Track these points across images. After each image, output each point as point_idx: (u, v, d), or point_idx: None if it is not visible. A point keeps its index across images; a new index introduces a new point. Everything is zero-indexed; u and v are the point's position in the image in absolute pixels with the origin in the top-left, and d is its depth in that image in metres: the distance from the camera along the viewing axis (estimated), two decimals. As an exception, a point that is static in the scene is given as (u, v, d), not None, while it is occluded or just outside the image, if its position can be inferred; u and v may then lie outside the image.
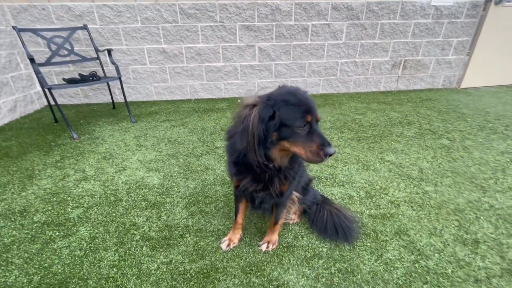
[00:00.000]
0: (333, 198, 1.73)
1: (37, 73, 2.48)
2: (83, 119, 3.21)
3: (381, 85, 4.21)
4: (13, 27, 2.64)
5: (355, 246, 1.35)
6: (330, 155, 0.89)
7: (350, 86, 4.17)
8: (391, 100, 3.76)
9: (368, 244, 1.36)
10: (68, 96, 3.79)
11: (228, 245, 1.34)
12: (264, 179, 1.08)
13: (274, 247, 1.34)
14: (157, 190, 1.84)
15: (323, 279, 1.18)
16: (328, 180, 1.92)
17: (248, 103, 0.93)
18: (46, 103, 3.77)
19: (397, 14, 3.72)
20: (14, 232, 1.48)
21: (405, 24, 3.79)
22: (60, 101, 3.79)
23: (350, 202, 1.69)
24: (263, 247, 1.33)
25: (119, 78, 2.90)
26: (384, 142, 2.49)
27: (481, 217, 1.53)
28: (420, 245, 1.35)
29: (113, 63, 2.96)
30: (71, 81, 2.74)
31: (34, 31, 2.81)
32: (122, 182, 1.93)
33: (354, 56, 3.94)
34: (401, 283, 1.16)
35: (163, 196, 1.77)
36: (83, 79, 2.74)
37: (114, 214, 1.61)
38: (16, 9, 3.21)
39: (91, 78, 2.80)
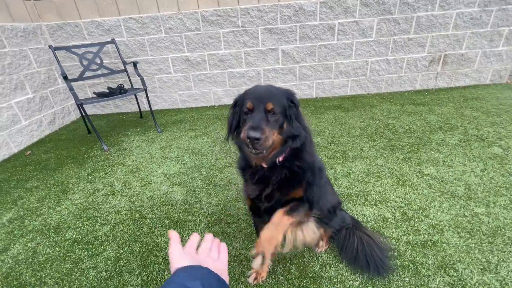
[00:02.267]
0: (364, 220, 1.58)
1: (70, 89, 2.62)
2: (113, 130, 3.34)
3: (417, 84, 3.85)
4: (49, 46, 2.81)
5: (391, 281, 1.20)
6: (249, 138, 0.84)
7: (382, 86, 3.87)
8: (429, 100, 3.42)
9: (407, 279, 1.21)
10: (100, 107, 3.99)
11: (256, 278, 1.26)
12: (266, 181, 1.03)
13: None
14: (180, 206, 1.83)
15: (355, 322, 1.06)
16: (359, 198, 1.76)
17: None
18: (79, 114, 4.01)
19: (436, 5, 3.36)
20: (48, 249, 1.56)
21: (445, 15, 3.41)
22: (93, 111, 4.01)
23: (384, 225, 1.53)
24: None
25: (145, 90, 2.96)
26: (422, 151, 2.25)
27: (548, 250, 1.29)
28: (471, 283, 1.16)
29: (138, 75, 3.04)
30: (100, 95, 2.86)
31: (68, 49, 2.97)
32: (146, 198, 1.96)
33: (386, 54, 3.64)
34: (448, 333, 1.00)
35: (186, 214, 1.76)
36: (111, 93, 2.84)
37: (138, 233, 1.63)
38: (52, 27, 3.44)
39: (118, 91, 2.89)
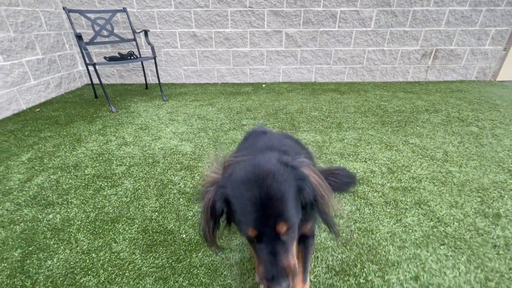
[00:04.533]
0: (355, 171, 1.80)
1: (84, 49, 2.73)
2: (119, 97, 3.46)
3: (409, 75, 4.12)
4: (64, 8, 2.90)
5: (375, 211, 1.43)
6: None
7: (376, 75, 4.12)
8: (419, 90, 3.69)
9: (388, 210, 1.44)
10: (105, 76, 4.08)
11: None
12: None
13: None
14: (189, 156, 2.01)
15: (344, 234, 1.28)
16: (351, 156, 1.99)
17: (209, 180, 0.71)
18: (86, 81, 4.10)
19: (431, 1, 3.61)
20: (70, 180, 1.71)
21: (439, 11, 3.67)
22: (96, 80, 4.08)
23: (371, 175, 1.75)
24: None
25: (154, 58, 3.10)
26: (409, 127, 2.50)
27: (506, 196, 1.54)
28: (440, 214, 1.40)
29: (149, 43, 3.16)
30: (112, 59, 2.98)
31: (81, 12, 3.07)
32: (158, 148, 2.12)
33: (382, 45, 3.88)
34: (418, 242, 1.23)
35: (195, 161, 1.94)
36: (122, 57, 2.97)
37: (153, 172, 1.80)
38: (64, -8, 3.50)
39: (129, 57, 3.02)
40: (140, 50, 3.69)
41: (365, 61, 4.00)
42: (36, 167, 1.86)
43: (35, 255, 1.18)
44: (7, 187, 1.64)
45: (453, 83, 3.99)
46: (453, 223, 1.34)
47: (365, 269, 1.10)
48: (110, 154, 2.03)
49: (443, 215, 1.40)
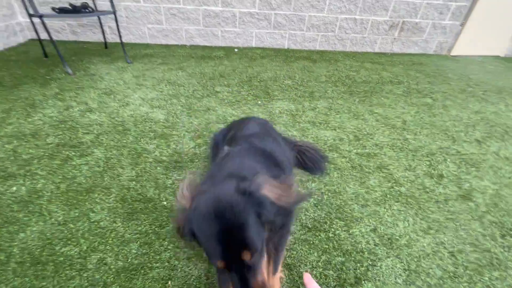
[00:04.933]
0: (325, 139, 1.92)
1: (26, -3, 2.31)
2: (75, 56, 3.08)
3: (376, 46, 4.26)
4: None
5: (343, 175, 1.58)
6: None
7: (347, 45, 4.18)
8: (384, 61, 3.86)
9: (354, 174, 1.60)
10: (54, 31, 3.55)
11: None
12: None
13: None
14: (162, 124, 1.95)
15: (315, 196, 1.41)
16: (322, 125, 2.10)
17: (180, 204, 0.68)
18: (29, 36, 3.53)
19: (403, -30, 3.63)
20: (30, 150, 1.57)
21: (409, -18, 3.73)
22: (44, 35, 3.54)
23: (340, 143, 1.89)
24: None
25: (114, 13, 2.75)
26: (374, 97, 2.66)
27: (448, 159, 1.80)
28: (396, 177, 1.60)
29: (106, -5, 2.78)
30: (62, 11, 2.58)
31: None
32: (127, 115, 2.01)
33: (354, 13, 3.89)
34: (378, 200, 1.41)
35: (169, 129, 1.89)
36: (75, 10, 2.58)
37: (124, 141, 1.73)
38: None
39: (83, 10, 2.64)
40: (96, 2, 3.22)
41: (337, 29, 4.01)
42: (-15, 136, 1.66)
43: (4, 229, 1.12)
44: (-48, 158, 1.46)
45: (414, 56, 4.24)
46: (407, 184, 1.55)
47: (333, 225, 1.25)
48: (73, 122, 1.87)
49: (399, 177, 1.60)
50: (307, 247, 1.14)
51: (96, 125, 1.86)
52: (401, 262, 1.11)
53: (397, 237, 1.22)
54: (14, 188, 1.31)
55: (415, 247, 1.18)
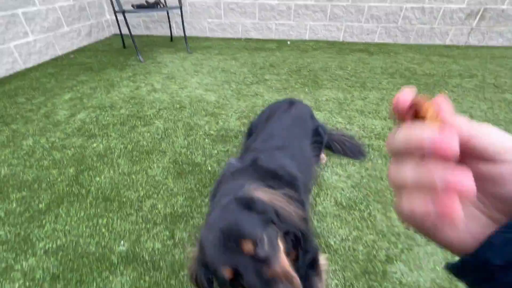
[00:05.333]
0: (373, 128, 1.83)
1: (114, -5, 2.75)
2: (146, 47, 3.54)
3: (447, 38, 3.80)
4: (92, -50, 2.87)
5: (387, 162, 1.50)
6: None
7: (411, 37, 3.83)
8: (456, 54, 3.43)
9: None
10: (132, 26, 4.11)
11: None
12: None
13: None
14: (213, 104, 2.12)
15: (354, 179, 1.38)
16: (371, 114, 2.00)
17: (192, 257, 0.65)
18: (113, 31, 4.18)
19: (489, -51, 3.15)
20: (108, 118, 1.90)
21: (496, -38, 3.22)
22: (124, 30, 4.14)
23: (388, 132, 1.78)
24: None
25: (180, 8, 3.07)
26: (437, 90, 2.41)
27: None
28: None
29: (175, -9, 3.11)
30: (139, 7, 3.00)
31: (109, -45, 3.02)
32: (184, 96, 2.24)
33: (423, 1, 3.54)
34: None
35: (219, 109, 2.05)
36: (149, 6, 2.97)
37: (180, 116, 1.94)
38: None
39: (156, 5, 3.01)
40: (166, 0, 3.64)
41: (400, 19, 3.70)
42: (77, 106, 2.07)
43: (86, 173, 1.40)
44: (56, 120, 1.87)
45: (497, 49, 3.65)
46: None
47: (370, 207, 1.22)
48: (141, 99, 2.18)
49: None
50: (339, 222, 1.14)
51: (158, 102, 2.13)
52: (444, 253, 1.02)
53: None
54: (95, 145, 1.62)
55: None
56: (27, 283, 0.93)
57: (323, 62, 3.07)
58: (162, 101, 2.15)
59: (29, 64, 2.83)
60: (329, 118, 1.93)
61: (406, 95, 0.21)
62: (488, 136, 0.19)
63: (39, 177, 1.37)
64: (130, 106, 2.07)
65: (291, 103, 1.22)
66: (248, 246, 0.53)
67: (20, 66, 2.74)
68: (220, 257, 0.54)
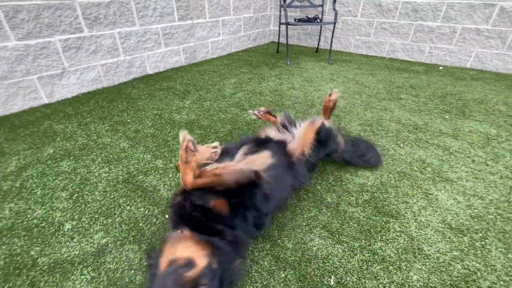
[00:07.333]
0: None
1: (284, 9, 3.43)
2: (294, 54, 4.13)
3: None
4: (279, -24, 3.66)
5: None
6: None
7: None
8: None
9: None
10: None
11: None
12: None
13: None
14: (340, 109, 2.33)
15: (476, 211, 1.26)
16: None
17: None
18: (271, 39, 5.07)
19: None
20: (256, 100, 2.47)
21: None
22: (281, 39, 4.95)
23: None
24: None
25: (334, 24, 3.43)
26: None
27: None
28: None
29: (334, 9, 3.50)
30: (300, 20, 3.57)
31: (289, -20, 3.76)
32: (316, 97, 2.57)
33: None
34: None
35: (344, 114, 2.24)
36: (309, 20, 3.49)
37: (309, 111, 2.27)
38: (281, -37, 4.31)
39: (315, 20, 3.50)
40: (324, 16, 4.11)
41: None
42: (238, 88, 2.78)
43: (237, 131, 1.95)
44: (224, 94, 2.61)
45: None
46: None
47: (486, 240, 1.11)
48: (282, 92, 2.68)
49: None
50: (440, 237, 1.12)
51: (294, 97, 2.55)
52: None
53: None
54: (245, 115, 2.18)
55: None
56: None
57: (481, 93, 2.65)
58: (297, 97, 2.56)
59: (215, 55, 3.96)
60: (464, 149, 1.74)
61: None
62: None
63: (210, 125, 2.03)
64: (273, 96, 2.59)
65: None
66: None
67: (210, 55, 3.89)
68: None
